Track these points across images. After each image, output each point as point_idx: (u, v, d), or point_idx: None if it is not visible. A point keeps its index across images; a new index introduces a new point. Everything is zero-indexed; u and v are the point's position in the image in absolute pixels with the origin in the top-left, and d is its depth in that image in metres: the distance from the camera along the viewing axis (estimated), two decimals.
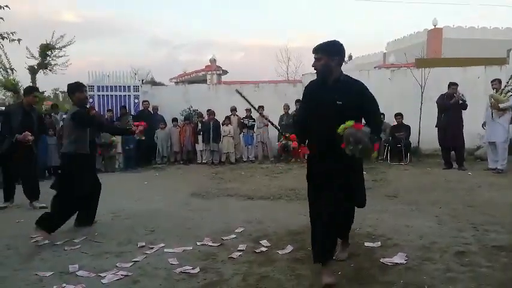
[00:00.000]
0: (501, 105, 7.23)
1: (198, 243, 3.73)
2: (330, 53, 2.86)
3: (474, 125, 8.43)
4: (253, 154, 10.57)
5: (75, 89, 4.43)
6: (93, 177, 4.52)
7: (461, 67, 10.32)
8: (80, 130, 4.29)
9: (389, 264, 3.07)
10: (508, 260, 3.08)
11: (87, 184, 4.31)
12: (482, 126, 7.78)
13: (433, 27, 21.46)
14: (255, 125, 10.52)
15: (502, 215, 4.37)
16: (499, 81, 7.53)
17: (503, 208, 4.70)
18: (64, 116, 9.65)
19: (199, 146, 10.45)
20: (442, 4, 46.78)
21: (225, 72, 16.65)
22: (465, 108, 7.89)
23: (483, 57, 12.51)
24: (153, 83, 17.26)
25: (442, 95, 8.08)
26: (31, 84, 17.95)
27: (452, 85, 7.94)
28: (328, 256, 2.78)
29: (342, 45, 2.94)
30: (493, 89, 7.49)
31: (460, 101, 7.79)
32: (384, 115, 9.72)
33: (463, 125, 7.93)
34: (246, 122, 10.50)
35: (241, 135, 10.62)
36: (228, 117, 10.47)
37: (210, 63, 16.41)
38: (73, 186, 4.13)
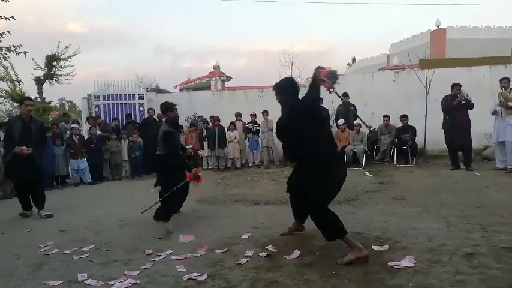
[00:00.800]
0: (510, 104, 7.17)
1: (205, 250, 3.73)
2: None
3: (481, 125, 8.37)
4: (258, 159, 10.57)
5: (168, 108, 5.25)
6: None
7: (465, 67, 10.27)
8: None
9: (398, 267, 3.05)
10: None
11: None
12: (492, 114, 7.63)
13: (437, 27, 21.41)
14: (260, 130, 10.53)
15: (510, 216, 4.33)
16: (508, 80, 7.46)
17: None
18: (72, 125, 9.77)
19: (205, 152, 10.48)
20: (445, 5, 46.65)
21: (229, 78, 16.72)
22: (471, 108, 7.81)
23: (488, 56, 12.44)
24: (158, 90, 17.32)
25: (446, 96, 8.04)
26: (37, 94, 18.19)
27: (456, 86, 7.90)
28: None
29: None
30: (502, 87, 7.43)
31: (463, 101, 7.73)
32: (389, 117, 9.72)
33: (470, 125, 7.86)
34: (250, 127, 10.52)
35: (247, 140, 10.63)
36: (232, 123, 10.50)
37: (213, 70, 16.49)
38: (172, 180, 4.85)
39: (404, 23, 49.36)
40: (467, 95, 7.88)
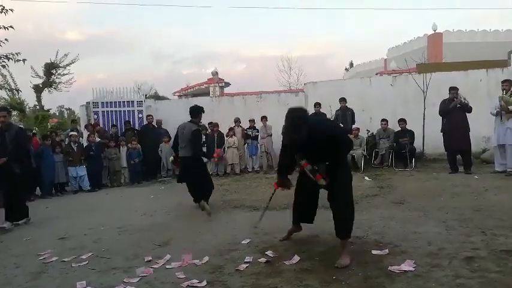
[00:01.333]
0: (511, 107, 7.17)
1: (205, 257, 3.72)
2: None
3: (479, 128, 8.39)
4: (258, 164, 10.57)
5: (199, 112, 6.86)
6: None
7: (462, 71, 10.33)
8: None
9: (398, 271, 3.04)
10: None
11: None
12: (492, 113, 7.56)
13: (433, 32, 21.52)
14: (259, 135, 10.55)
15: (510, 219, 4.33)
16: (510, 82, 7.42)
17: (511, 212, 4.66)
18: (71, 133, 9.77)
19: (205, 158, 10.45)
20: (442, 9, 46.97)
21: (227, 84, 16.76)
22: (469, 111, 7.81)
23: (484, 60, 12.51)
24: (157, 97, 17.40)
25: (444, 100, 8.06)
26: (36, 102, 18.21)
27: (452, 89, 7.93)
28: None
29: None
30: (503, 90, 7.41)
31: (458, 105, 7.74)
32: (387, 121, 9.74)
33: (469, 129, 7.85)
34: (249, 132, 10.53)
35: (246, 146, 10.64)
36: (231, 129, 10.51)
37: (212, 76, 16.53)
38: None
39: (401, 27, 49.64)
40: (464, 98, 7.91)
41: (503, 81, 7.52)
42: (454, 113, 7.80)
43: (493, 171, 7.52)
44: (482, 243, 3.60)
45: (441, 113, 8.01)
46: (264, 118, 10.50)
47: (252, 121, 10.57)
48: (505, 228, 4.00)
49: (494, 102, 7.59)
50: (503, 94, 7.37)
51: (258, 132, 10.54)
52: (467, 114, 7.86)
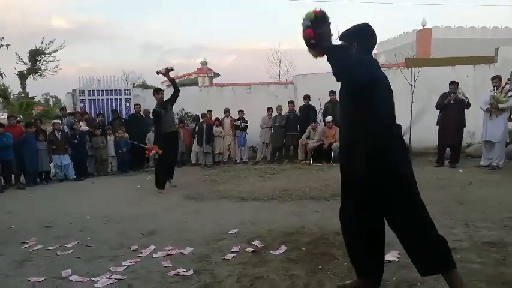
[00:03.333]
0: (500, 106, 7.23)
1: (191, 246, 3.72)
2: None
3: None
4: (246, 156, 10.56)
5: (155, 91, 7.38)
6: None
7: (450, 66, 10.42)
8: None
9: None
10: (499, 255, 3.12)
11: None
12: (482, 109, 7.60)
13: (422, 27, 21.67)
14: (247, 127, 10.52)
15: (492, 212, 4.43)
16: (500, 78, 7.49)
17: (494, 205, 4.76)
18: (54, 121, 9.58)
19: (196, 148, 10.44)
20: (431, 5, 47.27)
21: (217, 74, 16.62)
22: (467, 107, 7.83)
23: (472, 56, 12.65)
24: (145, 86, 17.16)
25: (443, 93, 8.06)
26: (21, 89, 17.84)
27: (452, 84, 7.94)
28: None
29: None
30: (493, 86, 7.45)
31: (452, 101, 7.80)
32: None
33: (464, 124, 7.91)
34: (238, 123, 10.50)
35: (236, 136, 10.61)
36: (217, 119, 10.49)
37: (201, 66, 16.39)
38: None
39: (390, 22, 49.81)
40: (463, 93, 7.93)
41: (493, 78, 7.56)
42: (451, 107, 7.83)
43: (478, 165, 7.65)
44: (465, 235, 3.67)
45: (437, 106, 8.06)
46: (270, 108, 10.39)
47: (241, 112, 10.53)
48: (488, 220, 4.08)
49: (482, 97, 7.65)
50: (494, 90, 7.42)
51: (247, 123, 10.51)
52: (465, 110, 7.85)
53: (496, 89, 7.39)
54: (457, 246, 3.35)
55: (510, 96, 7.25)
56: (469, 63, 10.49)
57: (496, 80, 7.49)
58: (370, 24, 2.49)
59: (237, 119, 10.55)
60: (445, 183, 6.28)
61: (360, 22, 2.51)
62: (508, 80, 7.50)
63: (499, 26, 22.37)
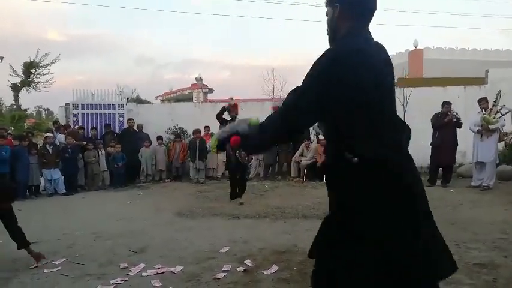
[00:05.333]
0: (491, 127, 7.31)
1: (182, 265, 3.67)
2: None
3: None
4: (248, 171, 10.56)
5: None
6: None
7: (441, 87, 10.59)
8: None
9: None
10: (490, 277, 3.12)
11: None
12: (472, 130, 7.65)
13: (414, 48, 22.07)
14: None
15: (483, 233, 4.44)
16: (486, 100, 7.63)
17: (485, 225, 4.78)
18: (46, 134, 9.50)
19: (192, 164, 10.42)
20: (423, 27, 48.33)
21: (211, 90, 16.72)
22: (460, 127, 7.93)
23: (462, 77, 12.88)
24: (139, 101, 17.18)
25: (436, 113, 8.15)
26: (13, 101, 17.74)
27: (446, 104, 8.04)
28: None
29: None
30: (481, 108, 7.56)
31: (454, 119, 7.89)
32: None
33: (457, 144, 8.00)
34: None
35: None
36: (213, 134, 10.49)
37: (196, 82, 16.48)
38: None
39: (383, 42, 50.72)
40: (456, 113, 8.03)
41: (480, 100, 7.68)
42: (446, 127, 7.92)
43: (469, 186, 7.70)
44: (455, 256, 3.63)
45: (434, 126, 8.12)
46: None
47: None
48: (478, 241, 4.09)
49: (472, 118, 7.76)
50: (482, 113, 7.54)
51: None
52: (457, 129, 7.95)
53: (484, 111, 7.51)
54: None
55: (499, 117, 7.38)
56: (459, 84, 10.67)
57: (483, 102, 7.62)
58: None
59: None
60: (436, 204, 6.29)
61: None
62: (494, 101, 7.64)
63: (489, 48, 22.87)
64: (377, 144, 1.59)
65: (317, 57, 1.64)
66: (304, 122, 1.71)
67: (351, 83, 1.55)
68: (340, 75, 1.55)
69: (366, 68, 1.58)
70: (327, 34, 1.81)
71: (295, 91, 1.69)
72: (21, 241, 3.82)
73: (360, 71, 1.56)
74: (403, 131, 1.76)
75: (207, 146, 2.05)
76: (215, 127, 10.67)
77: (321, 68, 1.60)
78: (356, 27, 1.70)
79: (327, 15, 1.79)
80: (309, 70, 1.66)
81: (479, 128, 7.47)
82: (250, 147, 1.85)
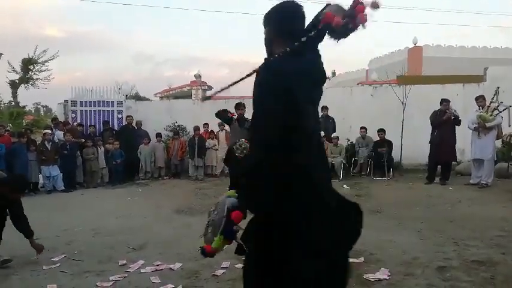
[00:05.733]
0: (488, 124, 7.33)
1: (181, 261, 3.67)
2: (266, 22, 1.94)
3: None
4: None
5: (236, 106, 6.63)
6: None
7: (440, 84, 10.59)
8: None
9: (373, 280, 3.08)
10: (488, 274, 3.13)
11: None
12: (470, 128, 7.72)
13: (414, 45, 22.05)
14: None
15: (482, 230, 4.45)
16: (484, 97, 7.64)
17: (483, 223, 4.79)
18: (44, 131, 9.49)
19: (190, 161, 10.43)
20: (422, 24, 48.31)
21: (210, 87, 16.67)
22: (459, 124, 7.92)
23: (461, 74, 12.88)
24: (138, 98, 17.16)
25: (435, 111, 8.14)
26: (12, 98, 17.69)
27: (444, 101, 8.03)
28: None
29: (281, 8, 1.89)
30: (479, 106, 7.57)
31: (453, 117, 7.88)
32: (366, 128, 9.87)
33: (456, 142, 8.00)
34: None
35: None
36: (212, 132, 10.53)
37: (195, 79, 16.44)
38: None
39: (383, 39, 50.77)
40: (455, 110, 8.01)
41: (477, 98, 7.70)
42: (445, 125, 7.91)
43: (467, 183, 7.72)
44: (454, 253, 3.68)
45: (433, 124, 8.13)
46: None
47: None
48: (477, 239, 4.11)
49: (470, 116, 7.77)
50: (480, 110, 7.56)
51: None
52: (456, 127, 7.95)
53: (482, 108, 7.52)
54: (447, 264, 3.37)
55: (496, 115, 7.39)
56: (458, 81, 10.67)
57: (480, 99, 7.63)
58: (294, 3, 1.88)
59: None
60: (435, 201, 6.33)
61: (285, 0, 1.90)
62: (492, 98, 7.65)
63: (489, 45, 22.87)
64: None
65: (259, 79, 1.77)
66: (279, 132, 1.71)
67: (291, 98, 1.67)
68: (284, 91, 1.67)
69: (304, 86, 1.73)
70: (266, 52, 1.94)
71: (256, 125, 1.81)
72: (29, 231, 3.87)
73: (298, 89, 1.69)
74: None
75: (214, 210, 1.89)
76: (214, 124, 10.72)
77: (272, 85, 1.71)
78: (289, 46, 1.77)
79: (264, 36, 1.94)
80: (257, 95, 1.79)
81: (476, 125, 7.49)
82: (259, 204, 1.81)
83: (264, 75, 1.77)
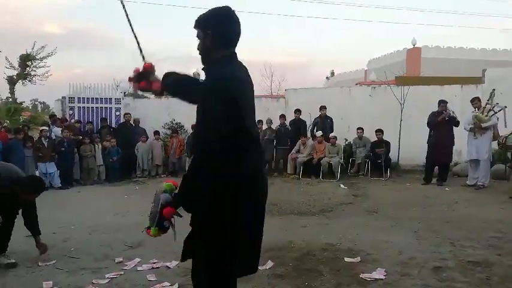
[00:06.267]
0: (483, 125, 7.36)
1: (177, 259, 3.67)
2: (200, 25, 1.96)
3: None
4: None
5: None
6: None
7: (439, 85, 10.61)
8: None
9: (369, 279, 3.08)
10: (484, 275, 3.14)
11: None
12: (466, 129, 7.73)
13: (412, 46, 22.09)
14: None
15: (478, 231, 4.47)
16: (479, 99, 7.67)
17: (480, 224, 4.80)
18: (41, 128, 9.45)
19: (188, 159, 10.42)
20: (421, 25, 48.39)
21: None
22: (457, 125, 7.92)
23: (460, 76, 12.91)
24: (136, 95, 17.11)
25: (432, 112, 8.14)
26: (9, 94, 17.63)
27: (441, 103, 8.03)
28: None
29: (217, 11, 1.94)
30: (474, 108, 7.60)
31: (447, 118, 7.87)
32: (363, 129, 9.89)
33: (454, 143, 8.00)
34: None
35: None
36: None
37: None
38: None
39: (381, 40, 50.78)
40: (453, 112, 8.03)
41: (472, 100, 7.73)
42: (442, 126, 7.91)
43: (464, 184, 7.74)
44: (450, 253, 3.69)
45: (430, 125, 8.13)
46: (260, 122, 10.30)
47: None
48: (473, 240, 4.12)
49: (467, 117, 7.79)
50: (475, 111, 7.60)
51: None
52: (454, 128, 7.95)
53: (477, 110, 7.55)
54: (443, 265, 3.38)
55: (492, 115, 7.42)
56: (457, 83, 10.69)
57: (476, 101, 7.66)
58: (230, 8, 1.95)
59: None
60: (431, 202, 6.34)
61: (220, 5, 1.98)
62: (488, 100, 7.68)
63: (487, 47, 22.93)
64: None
65: (205, 86, 1.86)
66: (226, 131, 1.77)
67: (230, 106, 1.74)
68: (225, 99, 1.74)
69: (241, 94, 1.82)
70: (200, 56, 1.98)
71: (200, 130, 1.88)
72: (37, 229, 3.86)
73: (236, 96, 1.78)
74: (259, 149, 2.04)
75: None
76: None
77: (212, 92, 1.78)
78: (228, 53, 1.91)
79: (198, 38, 1.95)
80: (203, 100, 1.84)
81: (472, 126, 7.52)
82: (194, 204, 1.98)
83: (211, 81, 1.84)
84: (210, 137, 1.77)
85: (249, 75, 2.00)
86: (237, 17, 1.95)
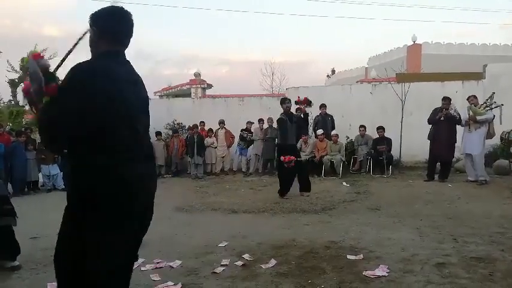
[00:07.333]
0: (478, 118, 7.39)
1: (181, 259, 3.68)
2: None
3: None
4: (246, 166, 10.58)
5: (281, 101, 7.22)
6: None
7: (439, 82, 10.60)
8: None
9: (372, 276, 3.09)
10: (486, 271, 3.14)
11: None
12: (464, 125, 7.77)
13: (413, 43, 22.05)
14: (252, 137, 10.48)
15: (480, 227, 4.47)
16: (475, 96, 7.70)
17: (482, 220, 4.80)
18: None
19: (190, 159, 10.47)
20: (421, 21, 48.26)
21: (210, 86, 16.67)
22: (458, 123, 7.88)
23: (460, 72, 12.88)
24: None
25: (435, 108, 8.15)
26: (11, 97, 17.68)
27: (444, 100, 8.01)
28: None
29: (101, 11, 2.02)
30: (471, 104, 7.63)
31: (442, 118, 7.86)
32: (365, 127, 9.89)
33: (455, 140, 7.97)
34: (244, 135, 10.49)
35: (238, 146, 10.68)
36: (211, 130, 10.57)
37: (194, 77, 16.43)
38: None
39: (382, 37, 50.68)
40: (455, 109, 7.99)
41: (469, 97, 7.75)
42: (442, 123, 7.91)
43: (466, 180, 7.73)
44: (453, 250, 3.69)
45: (429, 121, 8.14)
46: (261, 120, 10.38)
47: (249, 123, 10.54)
48: (476, 235, 4.12)
49: (465, 113, 7.79)
50: (472, 106, 7.60)
51: (252, 135, 10.51)
52: (457, 125, 7.93)
53: (474, 106, 7.57)
54: (445, 261, 3.38)
55: (487, 110, 7.43)
56: (458, 79, 10.67)
57: (471, 98, 7.69)
58: (121, 7, 2.02)
59: (244, 130, 10.55)
60: (434, 198, 6.34)
61: (114, 4, 2.05)
62: (487, 100, 7.66)
63: (488, 43, 22.85)
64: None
65: (68, 73, 1.87)
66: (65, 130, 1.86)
67: (98, 96, 1.81)
68: (92, 89, 1.81)
69: (109, 85, 1.86)
70: (91, 51, 2.06)
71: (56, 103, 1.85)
72: None
73: (104, 87, 1.83)
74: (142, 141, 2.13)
75: None
76: (213, 123, 10.73)
77: (77, 81, 1.83)
78: (110, 49, 2.00)
79: (89, 35, 2.04)
80: (62, 85, 1.89)
81: (466, 119, 7.54)
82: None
83: (69, 72, 1.86)
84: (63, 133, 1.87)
85: (137, 75, 2.11)
86: (128, 17, 2.03)
